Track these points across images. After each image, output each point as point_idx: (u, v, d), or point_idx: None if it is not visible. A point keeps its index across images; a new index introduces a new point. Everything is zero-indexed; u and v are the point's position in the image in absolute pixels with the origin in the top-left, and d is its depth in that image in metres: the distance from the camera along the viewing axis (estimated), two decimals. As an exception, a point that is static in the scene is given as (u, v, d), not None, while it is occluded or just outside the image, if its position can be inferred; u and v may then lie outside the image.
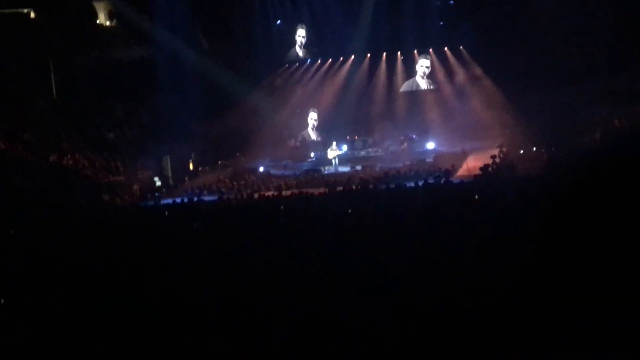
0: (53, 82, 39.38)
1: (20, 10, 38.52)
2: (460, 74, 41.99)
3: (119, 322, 10.09)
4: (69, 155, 34.30)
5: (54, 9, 38.86)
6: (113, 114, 40.97)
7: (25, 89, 37.35)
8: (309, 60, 45.87)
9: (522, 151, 32.73)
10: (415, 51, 43.14)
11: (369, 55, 44.15)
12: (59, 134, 36.57)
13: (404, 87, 43.56)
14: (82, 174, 33.46)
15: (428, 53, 42.94)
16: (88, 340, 9.69)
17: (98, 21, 42.53)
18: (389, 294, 10.26)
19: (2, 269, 13.17)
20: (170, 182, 37.12)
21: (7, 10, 37.94)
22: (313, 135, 43.55)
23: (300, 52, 45.55)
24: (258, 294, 10.73)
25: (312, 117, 43.50)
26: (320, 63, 45.60)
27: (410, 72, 43.39)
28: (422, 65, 42.95)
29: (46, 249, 15.04)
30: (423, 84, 43.07)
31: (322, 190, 27.24)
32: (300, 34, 45.15)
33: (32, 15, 38.91)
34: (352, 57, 44.50)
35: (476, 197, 18.73)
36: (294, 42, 45.43)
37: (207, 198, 28.29)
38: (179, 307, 10.46)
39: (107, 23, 42.92)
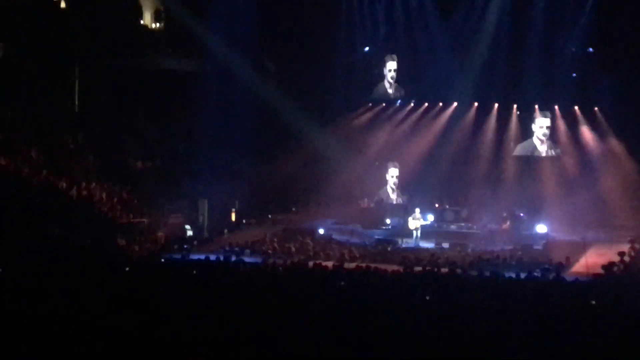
0: (76, 89, 40.06)
1: (48, -3, 39.43)
2: (591, 142, 41.61)
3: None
4: (83, 184, 34.71)
5: (90, 0, 39.63)
6: (144, 137, 41.41)
7: (41, 93, 38.01)
8: (399, 101, 45.88)
9: (660, 251, 32.12)
10: (537, 106, 42.85)
11: (476, 104, 44.07)
12: (74, 156, 37.05)
13: (519, 149, 43.30)
14: (95, 209, 33.82)
15: (551, 110, 42.65)
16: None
17: (142, 21, 43.22)
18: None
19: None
20: (205, 233, 37.28)
21: (33, -4, 38.86)
22: (392, 197, 43.42)
23: (389, 89, 45.47)
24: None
25: (392, 174, 43.42)
26: (413, 106, 45.60)
27: (527, 131, 43.13)
28: (542, 125, 42.66)
29: (35, 294, 15.13)
30: (542, 148, 42.75)
31: (395, 268, 27.05)
32: (390, 67, 45.01)
33: (63, 4, 39.78)
34: (455, 104, 44.46)
35: (593, 302, 18.44)
36: (383, 76, 45.34)
37: (248, 259, 28.27)
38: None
39: (153, 25, 43.61)
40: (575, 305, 18.15)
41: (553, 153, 42.67)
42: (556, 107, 42.82)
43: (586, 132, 42.20)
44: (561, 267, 29.49)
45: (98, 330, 12.74)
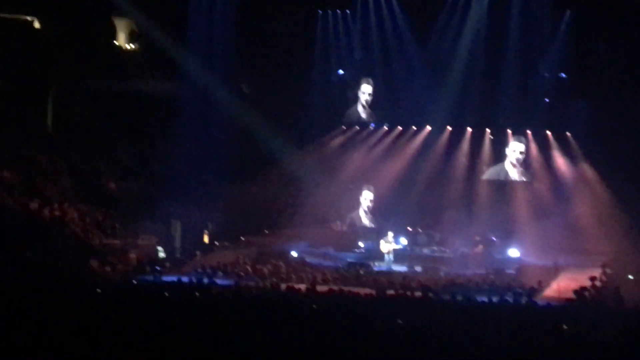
0: (49, 109, 39.91)
1: (22, 17, 39.34)
2: (563, 167, 41.76)
3: None
4: (56, 205, 34.49)
5: (63, 20, 39.53)
6: (118, 158, 41.23)
7: (13, 113, 37.82)
8: (372, 125, 45.91)
9: (631, 277, 32.15)
10: (509, 131, 42.97)
11: (449, 128, 44.13)
12: (48, 177, 36.83)
13: (488, 173, 43.40)
14: (68, 230, 33.59)
15: (524, 135, 42.79)
16: None
17: (116, 42, 43.10)
18: None
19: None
20: (178, 254, 37.10)
21: (7, 15, 38.76)
22: (365, 220, 43.40)
23: (363, 113, 45.52)
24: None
25: (367, 197, 43.40)
26: (387, 130, 45.62)
27: (499, 155, 43.21)
28: (515, 149, 42.79)
29: (6, 317, 15.04)
30: (514, 173, 42.88)
31: (367, 291, 27.04)
32: (365, 90, 45.06)
33: (37, 25, 39.69)
34: (429, 128, 44.50)
35: (564, 327, 18.46)
36: (357, 99, 45.39)
37: (220, 281, 28.17)
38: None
39: (127, 46, 43.48)
40: (547, 329, 18.16)
41: (524, 178, 42.77)
42: (528, 131, 42.91)
43: (558, 157, 42.30)
44: (533, 291, 29.54)
45: (70, 353, 12.65)
